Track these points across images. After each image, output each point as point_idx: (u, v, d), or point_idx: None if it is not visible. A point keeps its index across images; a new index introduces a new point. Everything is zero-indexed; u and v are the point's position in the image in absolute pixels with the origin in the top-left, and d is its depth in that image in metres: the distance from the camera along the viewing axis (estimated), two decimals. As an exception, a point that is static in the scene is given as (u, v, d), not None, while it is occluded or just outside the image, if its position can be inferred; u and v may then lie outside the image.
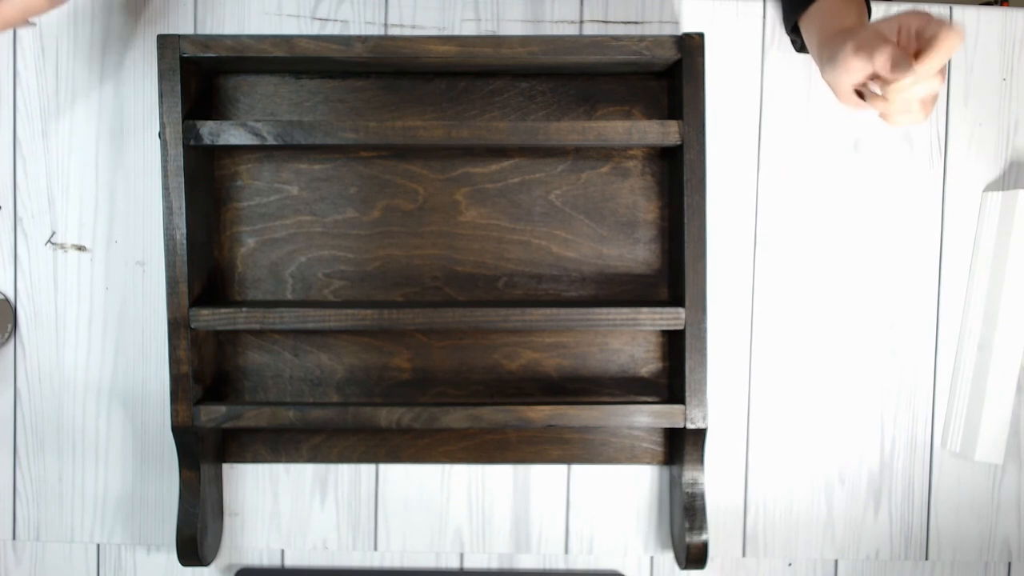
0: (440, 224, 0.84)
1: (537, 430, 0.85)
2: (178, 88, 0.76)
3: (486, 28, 0.85)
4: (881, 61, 0.60)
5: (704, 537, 0.80)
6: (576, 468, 0.86)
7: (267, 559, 0.87)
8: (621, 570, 0.87)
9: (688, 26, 0.85)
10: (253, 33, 0.84)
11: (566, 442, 0.86)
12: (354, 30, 0.85)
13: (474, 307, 0.78)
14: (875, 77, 0.63)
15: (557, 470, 0.86)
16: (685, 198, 0.77)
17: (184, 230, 0.77)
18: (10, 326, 0.84)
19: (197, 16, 0.84)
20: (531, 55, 0.76)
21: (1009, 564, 0.87)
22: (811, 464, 0.86)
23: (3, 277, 0.85)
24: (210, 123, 0.77)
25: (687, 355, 0.78)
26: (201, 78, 0.81)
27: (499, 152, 0.84)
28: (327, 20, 0.85)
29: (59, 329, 0.85)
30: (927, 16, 0.60)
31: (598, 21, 0.85)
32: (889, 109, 0.63)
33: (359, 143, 0.77)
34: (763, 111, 0.85)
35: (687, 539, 0.80)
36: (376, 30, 0.85)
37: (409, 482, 0.86)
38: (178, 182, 0.76)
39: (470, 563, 0.87)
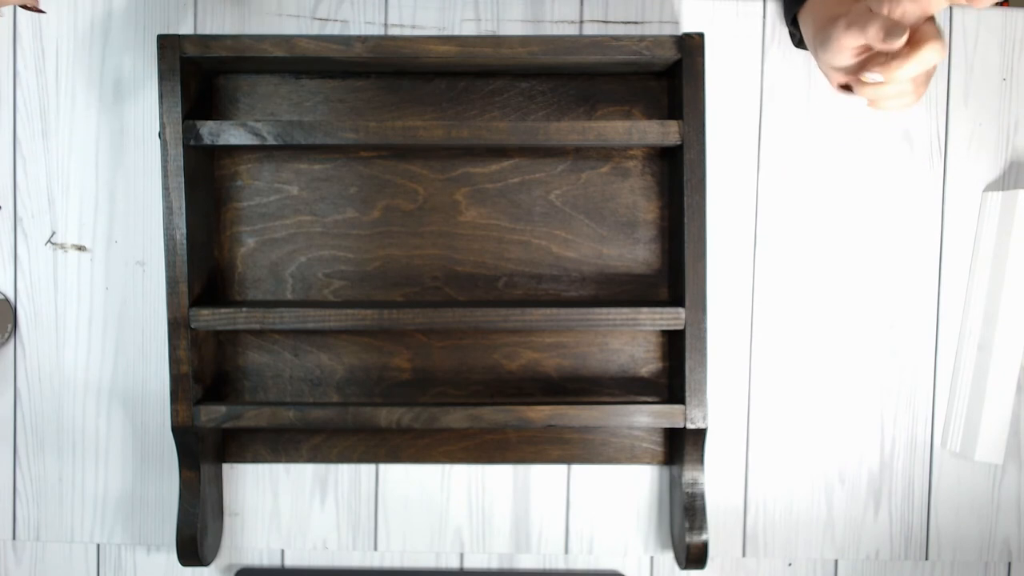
0: (440, 224, 0.84)
1: (537, 430, 0.85)
2: (178, 88, 0.76)
3: (486, 28, 0.85)
4: (873, 31, 0.59)
5: (704, 537, 0.80)
6: (576, 468, 0.86)
7: (267, 559, 0.87)
8: (621, 570, 0.87)
9: (688, 26, 0.85)
10: (253, 33, 0.84)
11: (566, 442, 0.86)
12: (354, 30, 0.85)
13: (474, 307, 0.78)
14: (868, 60, 0.62)
15: (557, 470, 0.86)
16: (685, 198, 0.77)
17: (184, 230, 0.77)
18: (10, 326, 0.84)
19: (197, 16, 0.84)
20: (531, 55, 0.76)
21: (1009, 564, 0.87)
22: (811, 464, 0.86)
23: (3, 277, 0.85)
24: (210, 123, 0.77)
25: (687, 355, 0.78)
26: (201, 78, 0.81)
27: (499, 152, 0.84)
28: (327, 20, 0.85)
29: (59, 329, 0.85)
30: (923, 9, 0.59)
31: (598, 21, 0.85)
32: (880, 93, 0.62)
33: (359, 143, 0.77)
34: (763, 111, 0.85)
35: (687, 539, 0.80)
36: (376, 30, 0.85)
37: (409, 482, 0.86)
38: (178, 182, 0.76)
39: (470, 563, 0.87)
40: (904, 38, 0.58)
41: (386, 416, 0.78)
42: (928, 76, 0.63)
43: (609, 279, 0.85)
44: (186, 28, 0.84)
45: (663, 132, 0.77)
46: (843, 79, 0.68)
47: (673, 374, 0.83)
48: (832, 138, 0.85)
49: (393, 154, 0.84)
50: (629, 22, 0.85)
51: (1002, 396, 0.83)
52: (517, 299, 0.84)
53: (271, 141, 0.76)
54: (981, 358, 0.84)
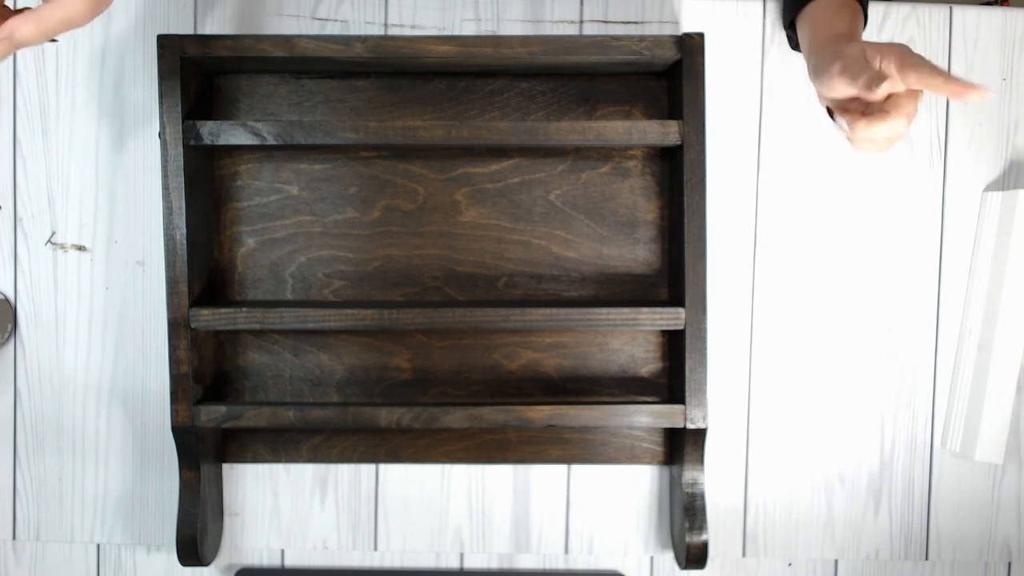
0: (440, 224, 0.84)
1: (537, 430, 0.85)
2: (178, 88, 0.76)
3: (486, 28, 0.85)
4: (863, 83, 0.62)
5: (704, 537, 0.80)
6: (576, 468, 0.86)
7: (267, 559, 0.87)
8: (621, 570, 0.87)
9: (688, 26, 0.85)
10: (253, 33, 0.84)
11: (566, 442, 0.86)
12: (354, 30, 0.85)
13: (474, 307, 0.78)
14: (852, 101, 0.64)
15: (557, 470, 0.86)
16: (685, 198, 0.77)
17: (184, 230, 0.77)
18: (10, 326, 0.84)
19: (197, 16, 0.84)
20: (531, 55, 0.76)
21: (1009, 564, 0.87)
22: (811, 464, 0.86)
23: (3, 277, 0.85)
24: (210, 123, 0.77)
25: (687, 355, 0.78)
26: (201, 78, 0.81)
27: (499, 152, 0.84)
28: (327, 20, 0.85)
29: (59, 329, 0.85)
30: (910, 64, 0.60)
31: (598, 21, 0.85)
32: (854, 136, 0.64)
33: (359, 143, 0.77)
34: (763, 111, 0.85)
35: (687, 539, 0.80)
36: (376, 30, 0.85)
37: (409, 482, 0.86)
38: (178, 182, 0.76)
39: (470, 563, 0.87)
40: (883, 91, 0.60)
41: (386, 416, 0.78)
42: (889, 141, 0.64)
43: (609, 279, 0.85)
44: (186, 28, 0.84)
45: (663, 132, 0.77)
46: (828, 104, 0.69)
47: (673, 374, 0.83)
48: (832, 138, 0.85)
49: (393, 154, 0.84)
50: (629, 22, 0.85)
51: (1002, 396, 0.83)
52: (517, 299, 0.84)
53: (271, 141, 0.76)
54: (981, 358, 0.84)
